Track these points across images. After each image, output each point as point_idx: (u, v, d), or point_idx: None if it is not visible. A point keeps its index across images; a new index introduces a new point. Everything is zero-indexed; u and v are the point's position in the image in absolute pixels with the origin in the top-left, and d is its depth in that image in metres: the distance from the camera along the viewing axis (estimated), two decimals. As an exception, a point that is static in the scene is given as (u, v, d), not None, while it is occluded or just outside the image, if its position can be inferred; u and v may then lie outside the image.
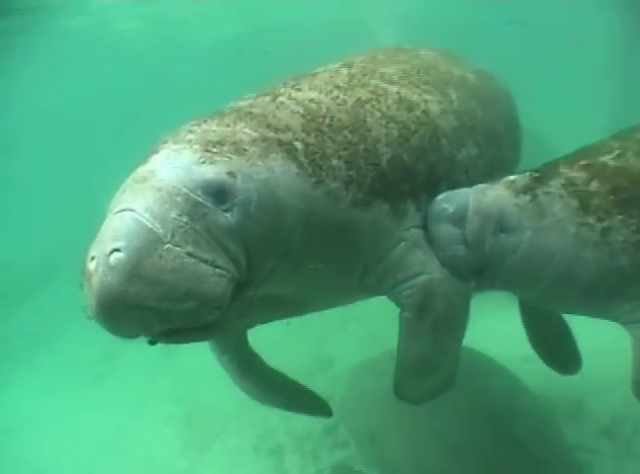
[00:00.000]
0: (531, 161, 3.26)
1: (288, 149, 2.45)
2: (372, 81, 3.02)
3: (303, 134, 2.55)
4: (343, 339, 7.16)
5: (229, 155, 2.23)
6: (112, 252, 1.94)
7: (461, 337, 3.04)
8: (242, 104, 2.70)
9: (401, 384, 3.12)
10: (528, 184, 2.78)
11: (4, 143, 20.41)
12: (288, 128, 2.53)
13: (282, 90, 2.81)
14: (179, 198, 2.06)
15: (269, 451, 5.71)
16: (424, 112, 3.00)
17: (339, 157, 2.61)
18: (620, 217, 2.68)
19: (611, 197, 2.71)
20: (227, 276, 2.12)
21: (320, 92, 2.82)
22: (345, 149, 2.65)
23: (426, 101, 3.05)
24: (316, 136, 2.59)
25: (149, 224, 2.00)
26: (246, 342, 3.53)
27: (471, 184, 2.96)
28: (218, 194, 2.14)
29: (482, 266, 2.78)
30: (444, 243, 2.78)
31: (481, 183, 2.94)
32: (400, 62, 3.32)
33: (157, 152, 2.24)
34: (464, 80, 3.47)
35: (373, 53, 3.46)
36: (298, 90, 2.82)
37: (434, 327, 2.86)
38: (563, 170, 2.82)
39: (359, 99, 2.85)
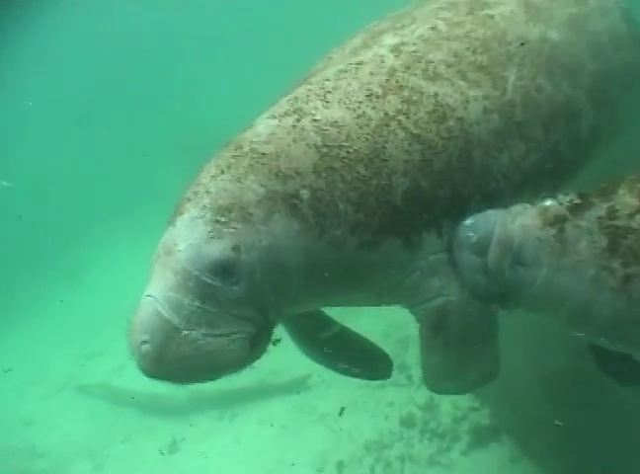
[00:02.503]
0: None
1: (292, 204, 2.52)
2: (412, 79, 2.80)
3: (313, 177, 2.56)
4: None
5: (235, 225, 2.43)
6: (141, 343, 2.37)
7: (484, 349, 3.01)
8: (262, 133, 2.69)
9: (428, 384, 3.21)
10: (560, 214, 2.57)
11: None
12: (298, 173, 2.55)
13: (311, 104, 2.75)
14: (191, 283, 2.36)
15: (397, 340, 6.20)
16: (458, 120, 2.77)
17: (347, 199, 2.58)
18: None
19: None
20: (242, 336, 2.45)
21: (348, 107, 2.72)
22: (355, 189, 2.59)
23: (466, 101, 2.80)
24: (326, 177, 2.57)
25: (167, 315, 2.35)
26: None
27: (513, 187, 2.86)
28: (225, 272, 2.39)
29: (504, 292, 2.75)
30: (465, 270, 2.76)
31: (530, 180, 2.88)
32: (458, 38, 2.98)
33: (181, 214, 2.51)
34: (541, 44, 3.05)
35: (439, 16, 3.09)
36: (326, 103, 2.74)
37: (448, 344, 2.90)
38: (622, 190, 2.55)
39: (386, 114, 2.71)
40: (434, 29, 3.00)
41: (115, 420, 7.49)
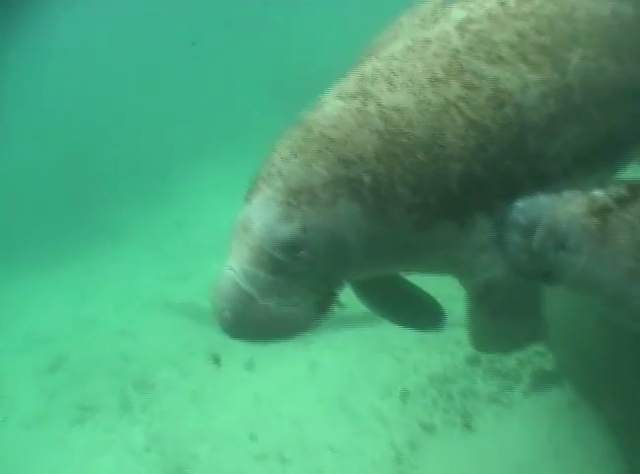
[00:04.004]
0: None
1: (355, 188, 2.73)
2: (474, 62, 2.82)
3: (374, 162, 2.73)
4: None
5: (304, 208, 2.71)
6: (222, 309, 2.76)
7: (528, 318, 3.15)
8: (330, 116, 2.84)
9: (474, 346, 3.40)
10: (606, 205, 2.64)
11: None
12: (361, 159, 2.73)
13: (377, 86, 2.84)
14: (264, 259, 2.70)
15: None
16: (515, 106, 2.78)
17: (405, 183, 2.74)
18: None
19: None
20: (309, 303, 2.80)
21: (411, 90, 2.80)
22: (412, 173, 2.74)
23: (525, 86, 2.80)
24: (387, 161, 2.73)
25: (244, 286, 2.71)
26: None
27: (566, 171, 2.88)
28: (293, 250, 2.71)
29: (548, 271, 2.84)
30: (511, 250, 2.86)
31: (584, 163, 2.91)
32: (525, 16, 2.90)
33: (257, 193, 2.80)
34: (611, 21, 2.93)
35: None
36: (391, 87, 2.82)
37: (492, 314, 3.07)
38: None
39: (446, 100, 2.77)
40: (502, 3, 2.96)
41: (198, 336, 7.99)
